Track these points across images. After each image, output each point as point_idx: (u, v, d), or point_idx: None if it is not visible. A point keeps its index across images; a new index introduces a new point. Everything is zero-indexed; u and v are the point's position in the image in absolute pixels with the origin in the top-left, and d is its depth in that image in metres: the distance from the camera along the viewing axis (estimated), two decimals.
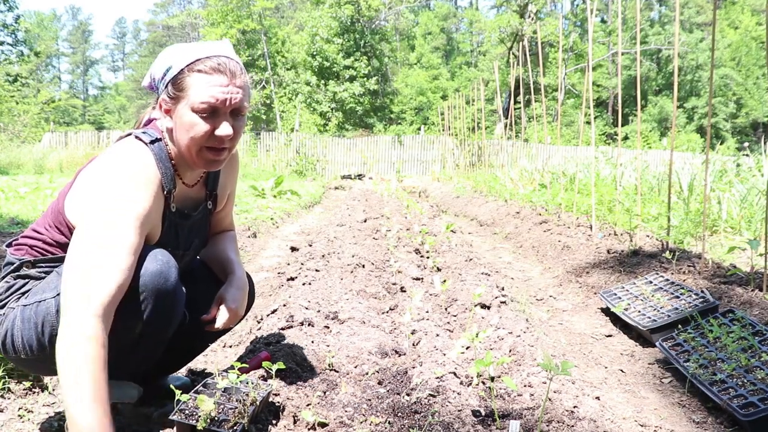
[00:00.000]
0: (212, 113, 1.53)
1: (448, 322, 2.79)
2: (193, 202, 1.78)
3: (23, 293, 1.60)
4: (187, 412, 1.56)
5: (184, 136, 1.55)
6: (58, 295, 1.49)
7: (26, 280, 1.63)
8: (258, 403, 1.61)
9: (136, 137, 1.58)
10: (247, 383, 1.67)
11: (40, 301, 1.53)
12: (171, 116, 1.57)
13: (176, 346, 1.80)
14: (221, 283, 1.87)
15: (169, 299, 1.52)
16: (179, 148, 1.59)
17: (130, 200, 1.45)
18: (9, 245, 1.73)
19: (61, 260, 1.59)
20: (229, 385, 1.66)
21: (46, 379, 2.10)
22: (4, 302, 1.61)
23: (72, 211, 1.58)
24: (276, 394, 1.78)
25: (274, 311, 2.79)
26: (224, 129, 1.53)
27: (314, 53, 30.92)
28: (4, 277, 1.66)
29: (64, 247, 1.60)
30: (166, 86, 1.55)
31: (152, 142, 1.58)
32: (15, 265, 1.64)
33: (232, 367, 1.79)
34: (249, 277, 1.97)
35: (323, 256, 4.06)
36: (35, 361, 1.58)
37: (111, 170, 1.49)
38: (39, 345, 1.52)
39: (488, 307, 2.88)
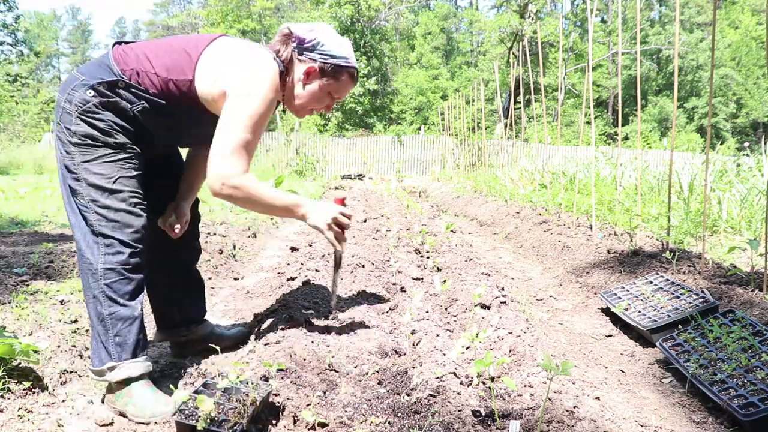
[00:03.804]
0: (332, 99, 2.23)
1: (448, 322, 2.79)
2: None
3: (90, 160, 1.94)
4: (187, 412, 1.56)
5: (306, 97, 2.18)
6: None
7: (100, 138, 1.95)
8: (258, 403, 1.61)
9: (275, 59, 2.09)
10: (247, 383, 1.67)
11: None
12: (308, 77, 2.15)
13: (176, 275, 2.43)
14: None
15: None
16: (291, 93, 2.18)
17: (270, 99, 2.00)
18: (119, 43, 2.07)
19: (148, 101, 1.97)
20: (229, 385, 1.66)
21: (46, 380, 2.10)
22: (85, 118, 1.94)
23: (205, 84, 1.99)
24: (276, 394, 1.78)
25: (274, 311, 2.79)
26: (329, 110, 2.29)
27: None
28: (93, 86, 1.92)
29: (161, 95, 1.98)
30: (326, 63, 2.13)
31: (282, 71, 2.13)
32: (111, 81, 1.93)
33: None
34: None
35: (323, 256, 4.06)
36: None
37: (261, 77, 1.98)
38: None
39: (488, 307, 2.87)
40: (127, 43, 2.08)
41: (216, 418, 1.53)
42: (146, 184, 2.08)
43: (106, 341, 1.92)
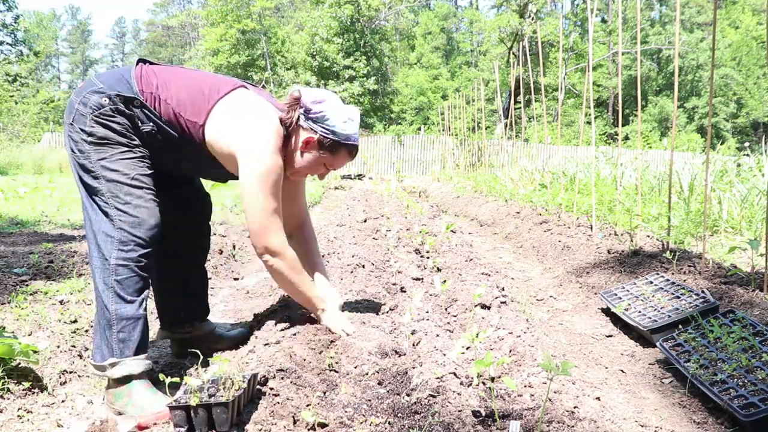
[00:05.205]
0: (327, 169, 2.30)
1: (448, 323, 2.78)
2: None
3: (106, 158, 1.99)
4: (180, 400, 1.59)
5: (302, 163, 2.24)
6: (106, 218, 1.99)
7: (114, 136, 2.00)
8: (246, 385, 1.64)
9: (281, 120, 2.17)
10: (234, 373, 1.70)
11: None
12: (306, 146, 2.20)
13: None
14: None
15: None
16: (291, 156, 2.23)
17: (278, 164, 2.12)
18: (143, 61, 2.15)
19: (158, 125, 2.05)
20: (215, 376, 1.69)
21: (46, 380, 2.10)
22: (95, 120, 1.98)
23: (213, 133, 2.08)
24: (276, 395, 1.78)
25: (273, 311, 2.79)
26: (322, 178, 2.36)
27: (314, 53, 30.90)
28: (110, 95, 1.99)
29: (169, 124, 2.06)
30: (326, 137, 2.17)
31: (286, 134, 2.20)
32: (128, 96, 2.00)
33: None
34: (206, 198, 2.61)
35: (323, 256, 4.05)
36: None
37: (265, 145, 2.07)
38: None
39: (488, 308, 2.87)
40: (152, 63, 2.17)
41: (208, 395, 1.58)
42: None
43: (109, 336, 1.95)
